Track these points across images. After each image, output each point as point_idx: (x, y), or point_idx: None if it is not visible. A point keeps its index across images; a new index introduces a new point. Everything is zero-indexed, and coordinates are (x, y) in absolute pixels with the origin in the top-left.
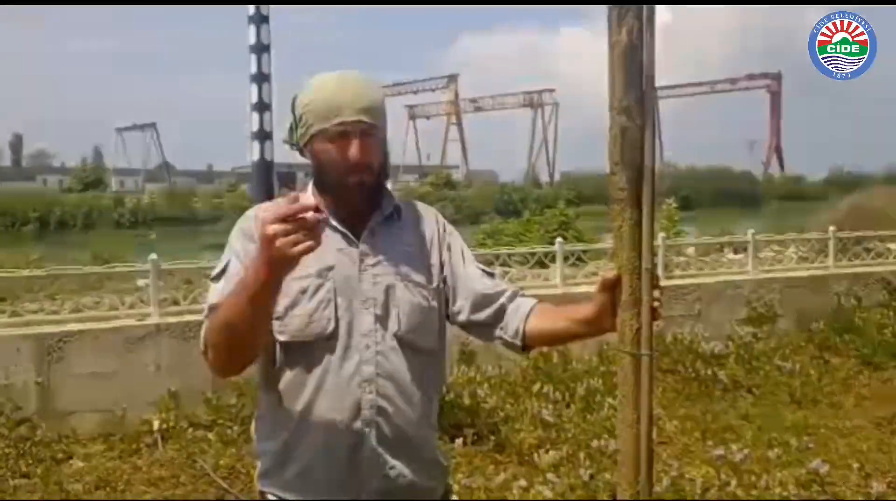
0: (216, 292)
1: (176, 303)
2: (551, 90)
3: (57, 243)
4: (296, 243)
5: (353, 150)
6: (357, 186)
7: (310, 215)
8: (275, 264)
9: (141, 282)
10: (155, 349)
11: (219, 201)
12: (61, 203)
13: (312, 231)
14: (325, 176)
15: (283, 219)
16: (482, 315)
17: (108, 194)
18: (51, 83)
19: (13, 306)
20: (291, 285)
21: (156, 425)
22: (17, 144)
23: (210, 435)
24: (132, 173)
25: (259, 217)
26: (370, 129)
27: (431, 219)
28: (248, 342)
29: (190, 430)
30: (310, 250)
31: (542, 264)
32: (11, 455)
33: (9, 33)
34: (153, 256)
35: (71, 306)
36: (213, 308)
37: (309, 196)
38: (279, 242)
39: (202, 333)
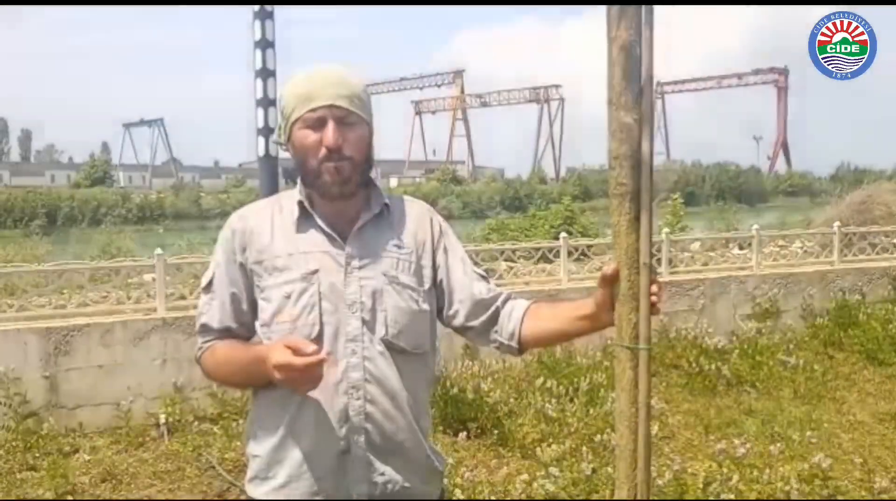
0: (206, 306)
1: (182, 298)
2: (557, 86)
3: (65, 239)
4: (297, 385)
5: (329, 133)
6: (333, 174)
7: (314, 359)
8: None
9: (147, 277)
10: (161, 343)
11: (225, 196)
12: (69, 198)
13: (314, 374)
14: (304, 166)
15: (292, 370)
16: (478, 321)
17: (116, 190)
18: (59, 79)
19: (21, 301)
20: (276, 291)
21: (162, 418)
22: (25, 139)
23: (215, 429)
24: (140, 169)
25: (275, 349)
26: (347, 115)
27: (425, 217)
28: (242, 388)
29: (195, 423)
30: (310, 389)
31: (546, 259)
32: (19, 448)
33: (17, 30)
34: (159, 250)
35: (78, 301)
36: (205, 329)
37: (296, 194)
38: (284, 385)
39: (198, 352)
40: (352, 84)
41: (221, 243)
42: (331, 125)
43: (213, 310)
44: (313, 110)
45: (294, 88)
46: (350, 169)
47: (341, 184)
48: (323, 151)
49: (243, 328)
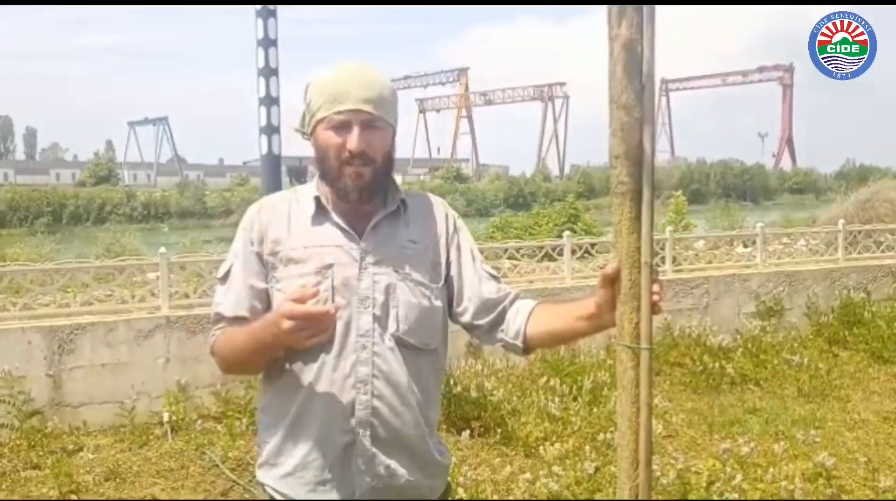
0: (222, 295)
1: (186, 296)
2: (562, 84)
3: (69, 237)
4: (307, 337)
5: (353, 139)
6: (354, 179)
7: (322, 308)
8: (285, 342)
9: (151, 275)
10: (165, 341)
11: (230, 194)
12: (74, 197)
13: (325, 325)
14: (325, 165)
15: (299, 317)
16: (485, 320)
17: (121, 188)
18: (64, 78)
19: (25, 299)
20: (291, 282)
21: (165, 417)
22: (30, 138)
23: (219, 427)
24: (144, 167)
25: (281, 310)
26: (373, 120)
27: (441, 213)
28: (254, 368)
29: (199, 422)
30: (321, 341)
31: (550, 258)
32: (23, 447)
33: (22, 29)
34: (162, 249)
35: (82, 299)
36: (219, 317)
37: (313, 188)
38: (292, 336)
39: (210, 339)
40: (379, 86)
41: (240, 234)
42: (356, 130)
43: (229, 300)
44: (339, 113)
45: (321, 85)
46: (371, 174)
47: (360, 188)
48: (346, 154)
49: (256, 318)
